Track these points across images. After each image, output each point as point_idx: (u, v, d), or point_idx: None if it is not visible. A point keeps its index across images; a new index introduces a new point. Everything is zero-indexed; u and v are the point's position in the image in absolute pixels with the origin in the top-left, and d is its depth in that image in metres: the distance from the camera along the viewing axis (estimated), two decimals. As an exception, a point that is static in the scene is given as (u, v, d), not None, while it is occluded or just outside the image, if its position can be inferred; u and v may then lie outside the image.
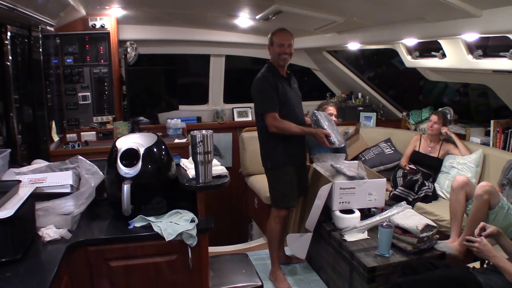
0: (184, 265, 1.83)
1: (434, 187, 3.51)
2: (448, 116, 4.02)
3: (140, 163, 1.82)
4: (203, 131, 1.90)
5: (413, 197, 3.38)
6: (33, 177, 1.89)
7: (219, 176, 2.00)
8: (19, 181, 1.71)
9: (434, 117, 3.71)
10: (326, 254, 2.97)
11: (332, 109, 3.62)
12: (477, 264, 2.22)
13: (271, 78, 2.79)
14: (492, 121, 3.56)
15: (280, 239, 3.10)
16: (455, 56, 3.12)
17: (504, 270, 1.94)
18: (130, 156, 1.84)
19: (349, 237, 2.77)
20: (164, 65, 4.77)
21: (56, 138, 3.54)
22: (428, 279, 2.03)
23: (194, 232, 1.81)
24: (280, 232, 3.02)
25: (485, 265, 2.14)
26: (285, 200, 2.92)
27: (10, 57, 2.64)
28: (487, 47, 2.95)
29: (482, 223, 2.10)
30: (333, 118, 3.46)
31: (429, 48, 3.48)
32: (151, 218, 1.85)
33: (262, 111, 2.81)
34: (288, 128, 2.77)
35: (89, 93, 3.96)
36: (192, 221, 1.86)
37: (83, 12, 3.61)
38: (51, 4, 2.93)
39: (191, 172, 2.00)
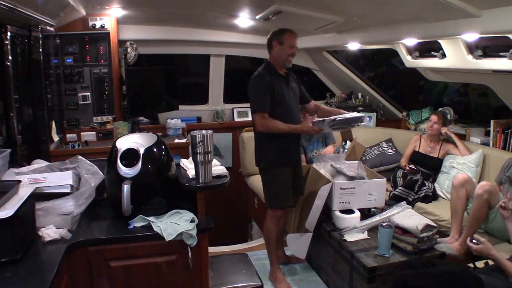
0: (184, 265, 1.83)
1: (434, 187, 3.51)
2: (448, 116, 4.02)
3: (140, 163, 1.82)
4: (203, 131, 1.89)
5: (413, 197, 3.37)
6: (33, 177, 1.88)
7: (219, 176, 2.00)
8: (19, 181, 1.71)
9: (434, 117, 3.71)
10: (326, 254, 2.97)
11: None
12: (477, 264, 2.22)
13: (267, 77, 2.77)
14: (492, 121, 3.56)
15: (278, 239, 3.09)
16: (455, 56, 3.12)
17: (504, 269, 1.95)
18: (130, 156, 1.84)
19: (349, 237, 2.77)
20: (164, 65, 4.78)
21: (56, 138, 3.54)
22: (431, 273, 2.03)
23: (194, 232, 1.81)
24: (277, 232, 3.01)
25: (483, 264, 2.15)
26: (279, 200, 2.89)
27: (10, 57, 2.64)
28: (486, 47, 2.95)
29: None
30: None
31: (429, 48, 3.47)
32: (151, 218, 1.85)
33: (253, 110, 2.81)
34: (275, 127, 2.74)
35: (89, 93, 3.96)
36: (192, 221, 1.86)
37: (83, 12, 3.62)
38: (51, 4, 2.93)
39: (191, 172, 2.00)
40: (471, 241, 2.11)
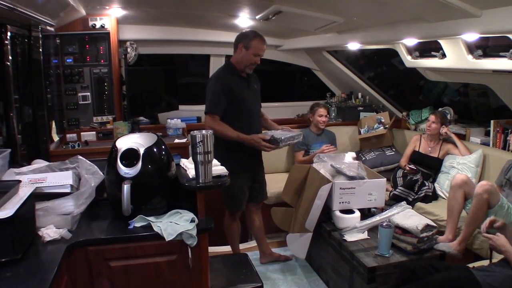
0: (184, 265, 1.83)
1: (434, 187, 3.51)
2: (448, 116, 4.02)
3: (140, 163, 1.82)
4: (203, 131, 1.90)
5: (413, 197, 3.38)
6: (33, 177, 1.88)
7: (219, 176, 2.00)
8: (19, 181, 1.71)
9: (431, 117, 3.72)
10: (326, 254, 2.97)
11: (322, 111, 3.94)
12: (477, 263, 2.23)
13: (227, 79, 2.74)
14: (492, 121, 3.56)
15: (239, 233, 3.23)
16: (455, 56, 3.12)
17: None
18: (130, 156, 1.84)
19: (349, 237, 2.77)
20: (164, 65, 4.77)
21: (56, 138, 3.54)
22: (427, 283, 2.02)
23: (194, 232, 1.81)
24: (239, 227, 3.16)
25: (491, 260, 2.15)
26: (235, 204, 3.00)
27: (10, 57, 2.64)
28: (487, 47, 2.95)
29: (492, 217, 2.11)
30: (323, 118, 3.89)
31: (429, 48, 3.48)
32: (151, 218, 1.85)
33: (206, 110, 2.79)
34: (222, 131, 2.70)
35: (89, 93, 3.96)
36: (192, 221, 1.86)
37: (83, 12, 3.61)
38: (51, 4, 2.93)
39: (191, 172, 2.00)
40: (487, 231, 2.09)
